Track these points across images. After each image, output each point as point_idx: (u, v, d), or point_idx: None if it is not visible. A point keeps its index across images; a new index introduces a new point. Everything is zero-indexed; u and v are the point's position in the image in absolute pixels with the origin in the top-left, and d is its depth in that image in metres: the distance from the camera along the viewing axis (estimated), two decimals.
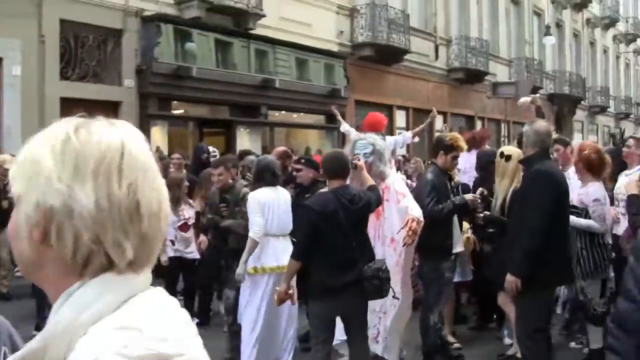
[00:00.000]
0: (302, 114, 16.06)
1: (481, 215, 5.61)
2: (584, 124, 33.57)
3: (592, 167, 5.29)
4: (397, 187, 5.26)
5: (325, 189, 5.42)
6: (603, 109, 34.70)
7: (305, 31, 15.16)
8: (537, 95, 6.98)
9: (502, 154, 5.51)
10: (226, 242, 5.75)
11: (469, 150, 7.00)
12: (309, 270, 4.49)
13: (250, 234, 5.19)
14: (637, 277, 1.54)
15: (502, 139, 24.17)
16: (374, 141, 5.36)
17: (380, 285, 4.43)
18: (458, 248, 5.56)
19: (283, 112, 15.51)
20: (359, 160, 4.97)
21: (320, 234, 4.35)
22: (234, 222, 5.64)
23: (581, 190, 5.27)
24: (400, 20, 17.43)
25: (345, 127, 7.93)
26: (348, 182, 4.97)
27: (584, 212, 5.11)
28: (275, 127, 15.16)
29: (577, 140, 31.22)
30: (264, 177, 5.39)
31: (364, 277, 4.39)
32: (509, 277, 4.38)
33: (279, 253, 5.24)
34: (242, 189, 5.82)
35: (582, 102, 31.59)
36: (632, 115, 39.94)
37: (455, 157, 5.62)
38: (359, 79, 16.60)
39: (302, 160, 6.65)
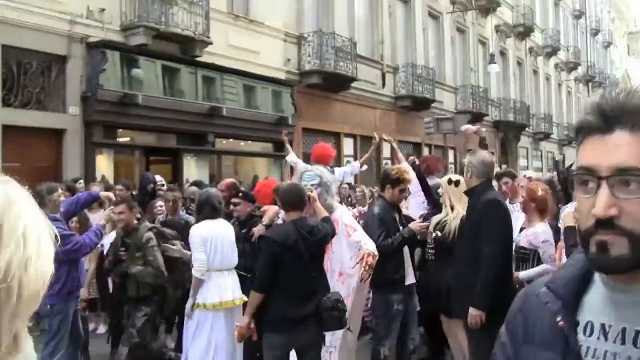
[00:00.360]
0: (249, 142, 16.22)
1: (434, 235, 5.60)
2: (529, 150, 34.73)
3: (544, 208, 5.33)
4: (345, 221, 5.31)
5: (260, 225, 5.79)
6: (547, 135, 36.00)
7: (252, 59, 15.36)
8: (482, 127, 7.26)
9: (450, 180, 5.61)
10: (125, 288, 5.67)
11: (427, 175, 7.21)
12: (266, 301, 4.47)
13: (193, 271, 5.33)
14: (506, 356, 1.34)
15: (449, 165, 24.92)
16: (321, 173, 5.43)
17: (339, 317, 4.50)
18: (410, 279, 5.65)
19: (230, 140, 15.61)
20: (312, 191, 5.01)
21: (282, 265, 4.40)
22: (142, 269, 5.56)
23: (529, 231, 5.26)
24: (348, 48, 17.76)
25: (292, 157, 8.04)
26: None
27: (531, 254, 5.10)
28: (222, 155, 15.25)
29: (522, 164, 32.49)
30: (205, 210, 5.52)
31: (324, 309, 4.45)
32: (473, 312, 4.37)
33: (223, 289, 5.34)
34: (146, 233, 5.66)
35: (527, 129, 32.79)
36: (574, 142, 41.27)
37: (403, 190, 5.80)
38: (307, 107, 16.88)
39: (240, 194, 6.65)
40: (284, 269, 4.41)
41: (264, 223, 5.85)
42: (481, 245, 4.44)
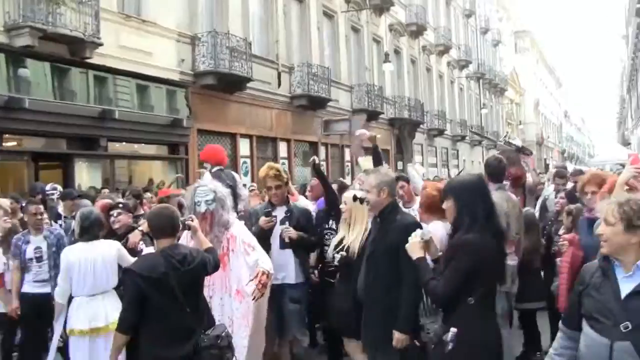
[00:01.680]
0: (144, 144, 16.24)
1: (338, 256, 5.43)
2: (424, 147, 36.13)
3: (435, 206, 5.31)
4: (244, 238, 5.29)
5: (137, 231, 5.63)
6: (441, 132, 37.55)
7: (145, 60, 15.33)
8: (374, 133, 7.58)
9: (355, 197, 5.42)
10: None
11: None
12: (139, 341, 4.15)
13: (55, 297, 5.45)
14: None
15: (346, 163, 25.70)
16: (215, 187, 5.28)
17: (220, 355, 4.20)
18: (287, 279, 5.91)
19: (124, 143, 15.56)
20: (192, 220, 4.75)
21: (148, 301, 4.05)
22: None
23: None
24: (242, 48, 17.94)
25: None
26: (187, 241, 4.99)
27: None
28: (116, 159, 15.18)
29: (417, 160, 33.83)
30: (81, 231, 5.43)
31: (201, 348, 4.13)
32: (398, 335, 4.30)
33: (92, 313, 5.23)
34: None
35: (421, 126, 34.08)
36: (467, 137, 43.51)
37: (278, 187, 6.01)
38: (202, 108, 17.02)
39: (120, 205, 6.50)
40: (153, 305, 4.06)
41: (139, 229, 5.67)
42: (403, 270, 4.32)
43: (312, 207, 7.34)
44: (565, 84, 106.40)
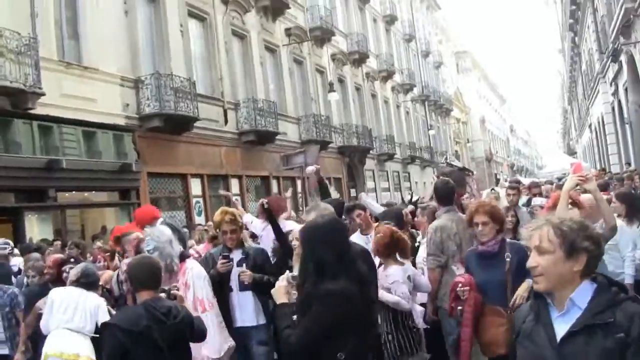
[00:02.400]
0: (94, 192, 16.22)
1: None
2: (375, 172, 36.62)
3: (387, 250, 5.67)
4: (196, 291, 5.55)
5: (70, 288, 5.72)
6: (390, 156, 38.12)
7: (89, 106, 15.34)
8: (318, 166, 7.79)
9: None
10: None
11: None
12: None
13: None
14: None
15: (299, 194, 25.90)
16: (158, 237, 5.36)
17: None
18: (239, 323, 5.99)
19: (74, 192, 15.51)
20: (177, 289, 4.58)
21: (130, 356, 3.90)
22: None
23: (381, 274, 5.54)
24: (187, 88, 18.08)
25: (247, 217, 8.08)
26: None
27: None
28: (66, 209, 15.09)
29: (369, 185, 34.26)
30: (74, 280, 5.84)
31: None
32: None
33: (66, 343, 5.49)
34: None
35: (371, 152, 34.54)
36: (417, 160, 44.28)
37: (233, 231, 6.02)
38: (150, 151, 17.09)
39: (72, 260, 6.63)
40: None
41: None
42: None
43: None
44: (509, 99, 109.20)
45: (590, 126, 41.20)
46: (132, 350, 3.88)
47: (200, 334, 4.37)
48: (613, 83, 25.86)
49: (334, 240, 3.52)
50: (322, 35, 29.63)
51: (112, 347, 3.94)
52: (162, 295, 4.29)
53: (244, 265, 6.01)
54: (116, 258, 8.28)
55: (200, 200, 19.56)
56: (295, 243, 5.64)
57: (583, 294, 2.44)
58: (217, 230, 6.31)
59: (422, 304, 6.20)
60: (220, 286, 5.81)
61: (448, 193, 6.34)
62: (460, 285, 4.91)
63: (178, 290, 4.53)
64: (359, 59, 34.81)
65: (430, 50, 53.63)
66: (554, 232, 2.47)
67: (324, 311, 3.30)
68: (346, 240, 3.68)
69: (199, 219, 18.16)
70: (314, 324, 3.33)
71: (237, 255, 6.10)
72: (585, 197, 5.92)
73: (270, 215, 6.77)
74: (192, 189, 19.12)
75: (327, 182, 6.87)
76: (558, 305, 2.50)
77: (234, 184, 21.44)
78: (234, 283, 5.98)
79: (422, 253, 6.57)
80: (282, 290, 3.59)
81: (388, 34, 42.99)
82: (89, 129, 15.48)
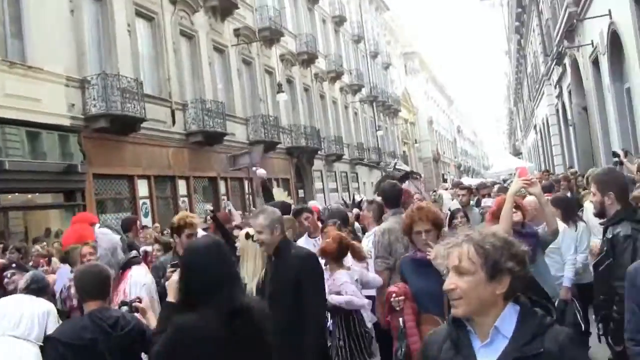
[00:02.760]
0: (38, 194, 16.07)
1: None
2: (323, 172, 36.93)
3: (338, 256, 5.70)
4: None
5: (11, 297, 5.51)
6: (339, 157, 38.46)
7: (34, 107, 15.15)
8: (264, 171, 7.93)
9: (247, 234, 5.41)
10: None
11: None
12: None
13: None
14: None
15: (247, 195, 26.04)
16: (99, 244, 5.34)
17: None
18: None
19: (17, 194, 15.34)
20: (139, 301, 4.28)
21: None
22: None
23: (329, 280, 5.50)
24: (134, 88, 18.01)
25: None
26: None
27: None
28: (9, 211, 14.92)
29: (317, 186, 34.57)
30: (24, 287, 5.60)
31: None
32: None
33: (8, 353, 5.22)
34: None
35: (319, 152, 34.80)
36: (365, 160, 44.80)
37: (190, 235, 5.79)
38: (96, 152, 16.97)
39: (14, 265, 6.51)
40: None
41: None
42: (306, 304, 4.44)
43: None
44: (456, 100, 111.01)
45: (535, 127, 42.29)
46: None
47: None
48: (557, 85, 26.67)
49: (206, 267, 3.17)
50: (271, 36, 29.77)
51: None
52: (124, 308, 4.14)
53: None
54: (52, 261, 8.31)
55: (147, 201, 19.51)
56: (238, 245, 5.68)
57: (507, 320, 2.23)
58: (173, 236, 6.18)
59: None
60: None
61: (395, 195, 6.45)
62: (394, 295, 4.69)
63: (141, 302, 4.23)
64: (308, 59, 35.06)
65: (379, 51, 54.26)
66: (476, 250, 2.22)
67: (163, 342, 3.08)
68: (224, 267, 3.25)
69: (146, 221, 18.13)
70: (156, 354, 3.13)
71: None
72: (528, 200, 6.25)
73: (217, 222, 6.84)
74: (139, 190, 19.05)
75: (270, 185, 6.97)
76: (480, 334, 2.25)
77: (182, 185, 21.45)
78: None
79: (364, 247, 6.54)
80: (173, 286, 3.38)
81: (337, 35, 43.38)
82: (33, 129, 15.28)
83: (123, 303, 4.27)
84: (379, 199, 7.25)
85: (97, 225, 6.56)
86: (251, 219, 5.29)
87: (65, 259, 7.09)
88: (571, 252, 6.73)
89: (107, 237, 5.51)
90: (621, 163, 9.08)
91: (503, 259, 2.19)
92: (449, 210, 9.67)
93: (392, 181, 6.95)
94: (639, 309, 2.45)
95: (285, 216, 5.81)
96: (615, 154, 9.53)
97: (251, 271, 5.40)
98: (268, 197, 6.69)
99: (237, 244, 5.77)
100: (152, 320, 4.05)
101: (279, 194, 10.09)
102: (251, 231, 5.35)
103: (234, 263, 3.63)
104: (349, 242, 5.81)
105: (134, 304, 4.16)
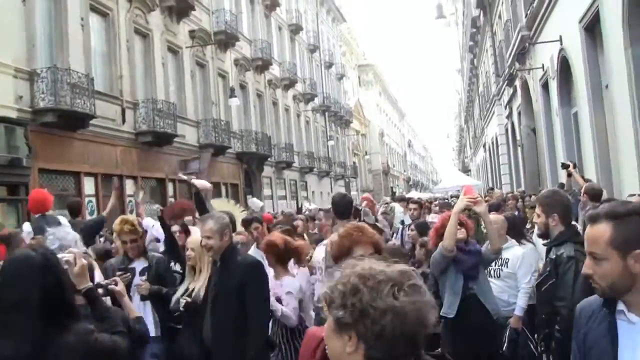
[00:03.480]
0: None
1: (183, 302, 5.50)
2: (272, 179, 37.02)
3: (281, 258, 5.72)
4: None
5: None
6: (289, 164, 38.64)
7: None
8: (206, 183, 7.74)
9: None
10: None
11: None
12: None
13: None
14: None
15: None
16: (63, 236, 4.68)
17: None
18: None
19: None
20: (115, 283, 4.08)
21: None
22: None
23: (274, 283, 5.48)
24: (84, 84, 17.86)
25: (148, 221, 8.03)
26: None
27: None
28: None
29: (266, 193, 34.64)
30: None
31: None
32: None
33: None
34: None
35: (269, 159, 34.90)
36: (315, 169, 45.04)
37: (125, 242, 6.03)
38: (43, 147, 16.72)
39: None
40: None
41: None
42: (249, 310, 4.52)
43: None
44: (408, 114, 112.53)
45: (484, 145, 43.18)
46: None
47: (139, 337, 3.82)
48: (508, 106, 27.35)
49: (21, 282, 2.84)
50: (226, 40, 29.81)
51: None
52: (99, 290, 3.91)
53: (146, 275, 6.00)
54: None
55: (93, 199, 19.30)
56: (191, 253, 5.64)
57: None
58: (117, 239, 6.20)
59: None
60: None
61: (346, 207, 6.53)
62: None
63: (117, 284, 4.07)
64: (262, 65, 35.18)
65: (334, 61, 54.75)
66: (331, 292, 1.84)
67: None
68: (41, 287, 2.84)
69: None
70: None
71: (139, 264, 6.06)
72: (494, 218, 6.22)
73: (162, 222, 6.82)
74: (85, 188, 18.83)
75: (203, 195, 6.78)
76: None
77: (129, 185, 21.26)
78: (134, 294, 5.80)
79: (318, 255, 6.47)
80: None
81: (292, 43, 43.62)
82: None
83: (98, 285, 4.07)
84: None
85: (50, 212, 6.54)
86: (200, 223, 5.32)
87: (3, 240, 6.96)
88: (527, 279, 6.30)
89: (69, 230, 5.34)
90: (569, 175, 9.40)
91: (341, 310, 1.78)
92: (401, 223, 9.91)
93: (342, 192, 7.04)
94: (577, 351, 2.52)
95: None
96: (564, 165, 9.82)
97: (202, 277, 5.48)
98: (201, 210, 6.58)
99: (188, 252, 5.70)
100: (128, 306, 3.99)
101: (222, 204, 10.04)
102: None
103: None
104: (291, 245, 5.80)
105: (109, 287, 4.03)
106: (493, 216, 6.29)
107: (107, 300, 4.06)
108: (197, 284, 5.45)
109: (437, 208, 13.62)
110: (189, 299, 5.41)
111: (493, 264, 6.15)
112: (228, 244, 4.84)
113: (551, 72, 16.07)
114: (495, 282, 6.27)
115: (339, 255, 3.83)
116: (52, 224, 6.32)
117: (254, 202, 12.79)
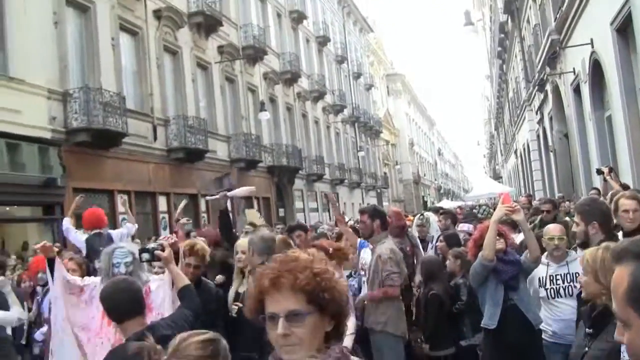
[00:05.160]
0: (16, 206, 15.97)
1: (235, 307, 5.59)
2: (303, 192, 37.02)
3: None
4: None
5: None
6: (320, 177, 38.61)
7: (14, 118, 15.07)
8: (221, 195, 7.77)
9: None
10: None
11: None
12: None
13: None
14: None
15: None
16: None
17: None
18: None
19: None
20: (162, 249, 4.10)
21: None
22: None
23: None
24: (116, 102, 18.05)
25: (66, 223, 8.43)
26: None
27: None
28: None
29: (297, 206, 34.64)
30: None
31: None
32: None
33: None
34: None
35: (300, 172, 34.95)
36: (346, 181, 44.95)
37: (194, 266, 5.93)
38: (76, 166, 16.91)
39: None
40: None
41: None
42: None
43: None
44: (438, 123, 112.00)
45: (516, 152, 42.77)
46: None
47: (195, 314, 3.85)
48: (539, 111, 27.05)
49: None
50: (255, 54, 29.95)
51: None
52: (145, 255, 4.06)
53: None
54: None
55: (127, 217, 19.40)
56: (241, 256, 5.69)
57: None
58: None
59: None
60: None
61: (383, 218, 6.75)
62: None
63: (164, 250, 4.05)
64: (291, 78, 35.27)
65: (362, 72, 54.73)
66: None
67: None
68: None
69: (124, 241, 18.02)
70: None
71: None
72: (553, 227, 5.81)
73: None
74: (119, 206, 18.96)
75: (228, 211, 6.80)
76: None
77: (162, 202, 21.41)
78: None
79: (366, 257, 6.81)
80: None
81: (320, 55, 43.71)
82: (13, 141, 15.20)
83: (143, 250, 4.10)
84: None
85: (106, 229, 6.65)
86: (242, 237, 5.47)
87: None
88: None
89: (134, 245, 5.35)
90: (605, 180, 9.18)
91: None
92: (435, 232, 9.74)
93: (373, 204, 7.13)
94: None
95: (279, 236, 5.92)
96: (599, 171, 9.60)
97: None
98: (226, 227, 6.54)
99: (238, 255, 5.72)
100: (175, 273, 3.96)
101: (251, 216, 10.09)
102: None
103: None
104: (338, 248, 6.07)
105: (155, 252, 3.98)
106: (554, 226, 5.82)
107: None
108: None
109: (461, 216, 13.40)
110: (240, 304, 5.36)
111: (561, 281, 5.48)
112: (260, 262, 4.81)
113: (583, 75, 15.83)
114: (566, 302, 5.43)
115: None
116: (106, 241, 6.38)
117: (251, 212, 12.77)
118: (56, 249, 4.96)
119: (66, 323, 4.59)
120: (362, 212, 6.91)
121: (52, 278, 4.79)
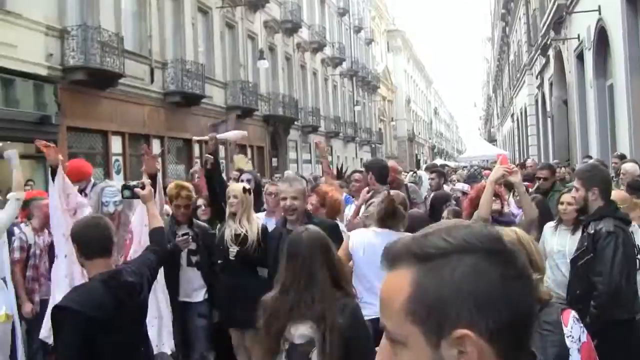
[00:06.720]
0: (9, 142, 15.76)
1: (234, 252, 5.59)
2: (298, 143, 36.93)
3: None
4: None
5: None
6: (315, 129, 38.42)
7: (9, 53, 14.79)
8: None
9: (244, 189, 5.63)
10: None
11: None
12: None
13: None
14: None
15: (221, 160, 25.86)
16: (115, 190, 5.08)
17: None
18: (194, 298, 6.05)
19: None
20: (142, 186, 4.12)
21: (96, 346, 3.14)
22: None
23: None
24: (114, 43, 17.79)
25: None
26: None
27: None
28: None
29: (291, 156, 34.56)
30: None
31: None
32: None
33: None
34: None
35: (296, 123, 34.80)
36: (341, 134, 44.79)
37: (179, 207, 5.98)
38: (71, 105, 16.69)
39: None
40: (102, 351, 3.17)
41: None
42: None
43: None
44: (435, 82, 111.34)
45: (512, 116, 42.56)
46: (98, 340, 3.15)
47: (160, 263, 3.95)
48: (539, 76, 26.80)
49: None
50: (256, 1, 29.48)
51: (75, 337, 3.13)
52: (126, 192, 4.12)
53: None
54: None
55: (120, 158, 19.33)
56: (233, 200, 5.58)
57: None
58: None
59: None
60: (172, 260, 5.59)
61: (385, 172, 6.72)
62: None
63: (144, 188, 4.11)
64: (292, 28, 34.81)
65: (363, 26, 54.01)
66: None
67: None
68: None
69: (117, 178, 17.97)
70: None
71: (183, 230, 5.94)
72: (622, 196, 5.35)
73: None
74: (113, 147, 18.86)
75: (218, 159, 6.56)
76: None
77: (156, 145, 21.25)
78: (183, 259, 5.95)
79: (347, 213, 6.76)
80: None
81: (322, 6, 43.04)
82: (8, 76, 14.95)
83: (124, 187, 4.15)
84: None
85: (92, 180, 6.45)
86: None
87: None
88: None
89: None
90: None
91: None
92: (427, 191, 9.60)
93: (379, 158, 7.12)
94: None
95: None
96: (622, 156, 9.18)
97: (253, 224, 5.52)
98: (213, 176, 6.40)
99: (231, 200, 5.59)
100: (151, 213, 4.02)
101: (239, 161, 10.02)
102: (247, 185, 5.76)
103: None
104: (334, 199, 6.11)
105: (135, 189, 4.06)
106: (618, 192, 5.32)
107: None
108: (251, 232, 5.44)
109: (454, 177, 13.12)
110: (238, 248, 5.42)
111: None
112: (305, 207, 5.06)
113: (587, 42, 15.61)
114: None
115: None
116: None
117: (239, 158, 12.67)
118: (60, 158, 4.95)
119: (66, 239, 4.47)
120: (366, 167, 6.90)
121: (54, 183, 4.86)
